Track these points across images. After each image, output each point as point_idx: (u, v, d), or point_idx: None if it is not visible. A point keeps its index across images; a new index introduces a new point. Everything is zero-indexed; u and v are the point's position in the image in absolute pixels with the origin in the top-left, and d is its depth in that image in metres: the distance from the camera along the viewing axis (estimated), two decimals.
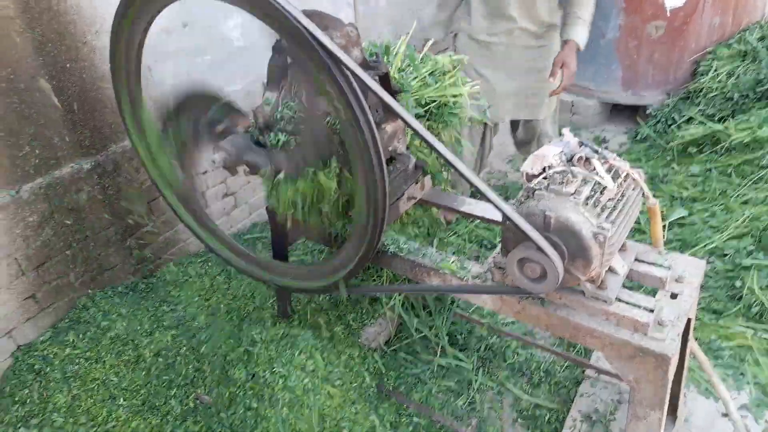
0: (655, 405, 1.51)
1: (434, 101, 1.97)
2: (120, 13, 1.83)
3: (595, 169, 1.53)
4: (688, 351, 1.85)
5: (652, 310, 1.50)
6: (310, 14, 1.71)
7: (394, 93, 1.83)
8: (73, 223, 2.71)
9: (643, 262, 1.67)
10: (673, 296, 1.59)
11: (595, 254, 1.42)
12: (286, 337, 2.36)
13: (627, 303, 1.53)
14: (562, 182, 1.46)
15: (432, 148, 1.44)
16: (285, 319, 2.50)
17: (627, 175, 1.58)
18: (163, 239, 3.18)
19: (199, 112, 2.01)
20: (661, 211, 3.07)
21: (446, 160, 1.43)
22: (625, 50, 4.09)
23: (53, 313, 2.74)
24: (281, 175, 1.83)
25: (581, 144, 1.58)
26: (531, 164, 1.51)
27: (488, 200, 1.41)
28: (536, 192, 1.48)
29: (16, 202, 2.46)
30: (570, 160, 1.53)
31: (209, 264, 3.12)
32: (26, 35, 2.36)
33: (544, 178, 1.49)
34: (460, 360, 2.47)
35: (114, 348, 2.64)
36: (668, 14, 3.86)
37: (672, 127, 3.88)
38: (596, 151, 1.56)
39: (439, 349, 2.56)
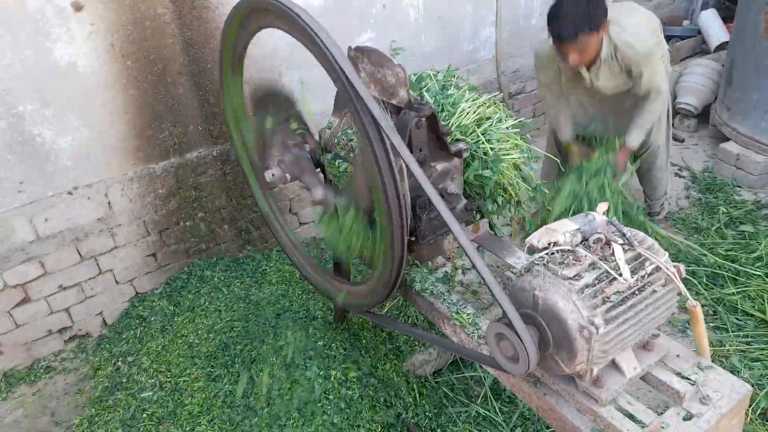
0: None
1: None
2: (227, 22, 2.07)
3: (613, 254, 1.37)
4: None
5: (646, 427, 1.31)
6: (369, 51, 1.79)
7: (441, 135, 1.82)
8: (195, 199, 3.14)
9: (668, 368, 1.45)
10: (689, 417, 1.36)
11: (580, 349, 1.28)
12: (330, 346, 2.48)
13: (622, 411, 1.35)
14: (563, 263, 1.34)
15: (438, 211, 1.43)
16: (338, 324, 2.61)
17: (657, 269, 1.38)
18: None
19: (278, 110, 2.12)
20: None
21: (443, 216, 1.40)
22: None
23: (168, 272, 3.22)
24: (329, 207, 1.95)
25: (609, 224, 1.43)
26: (539, 236, 1.41)
27: (474, 266, 1.36)
28: (535, 267, 1.38)
29: (151, 175, 2.94)
30: (586, 240, 1.39)
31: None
32: (177, 37, 2.79)
33: (547, 254, 1.38)
34: (497, 413, 2.36)
35: (205, 314, 3.01)
36: None
37: None
38: (623, 235, 1.40)
39: (481, 395, 2.47)
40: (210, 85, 2.96)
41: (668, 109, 3.24)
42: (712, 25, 4.90)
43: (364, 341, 2.60)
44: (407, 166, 1.58)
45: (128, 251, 3.02)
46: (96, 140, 2.70)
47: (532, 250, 1.41)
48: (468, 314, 1.75)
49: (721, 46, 4.77)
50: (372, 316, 2.05)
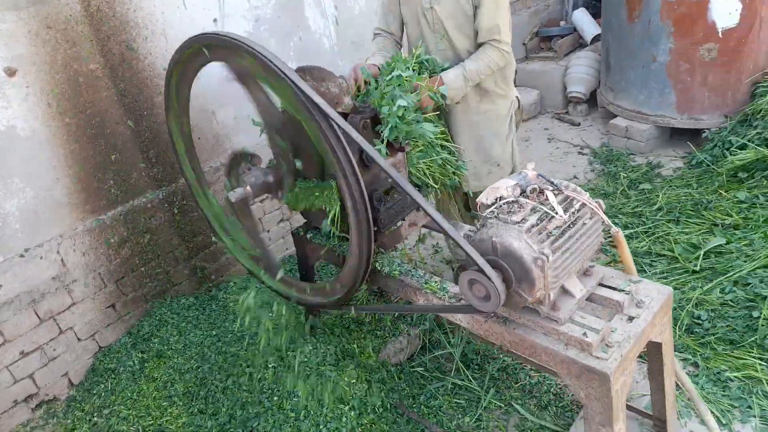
0: (605, 422, 1.59)
1: None
2: (168, 75, 2.24)
3: (547, 199, 1.67)
4: (668, 376, 1.87)
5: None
6: (310, 69, 2.03)
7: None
8: (147, 244, 3.20)
9: (606, 286, 1.76)
10: (630, 320, 1.67)
11: (537, 277, 1.55)
12: (308, 353, 2.62)
13: (578, 324, 1.64)
14: (510, 211, 1.62)
15: (402, 190, 1.66)
16: (312, 332, 2.76)
17: (583, 205, 1.69)
18: (224, 259, 3.61)
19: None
20: (698, 239, 3.03)
21: (413, 198, 1.65)
22: (677, 74, 4.02)
23: (129, 320, 3.22)
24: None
25: (539, 176, 1.73)
26: (486, 195, 1.69)
27: (442, 229, 1.61)
28: (488, 220, 1.65)
29: (101, 226, 2.98)
30: (524, 192, 1.68)
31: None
32: (111, 90, 2.89)
33: (496, 208, 1.65)
34: (470, 380, 2.60)
35: (174, 355, 3.05)
36: (720, 36, 3.77)
37: (729, 150, 3.74)
38: (551, 183, 1.70)
39: (453, 369, 2.71)
40: (148, 132, 3.07)
41: (512, 115, 2.83)
42: (585, 21, 5.59)
43: (339, 344, 2.76)
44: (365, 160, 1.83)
45: (87, 306, 3.01)
46: (42, 199, 2.73)
47: (482, 208, 1.68)
48: (436, 281, 1.99)
49: (596, 38, 5.44)
50: (348, 308, 2.23)
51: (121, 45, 2.87)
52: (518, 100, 2.87)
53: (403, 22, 2.79)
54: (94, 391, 2.96)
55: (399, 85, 2.15)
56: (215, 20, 3.23)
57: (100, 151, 2.90)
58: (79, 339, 3.03)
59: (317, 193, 2.11)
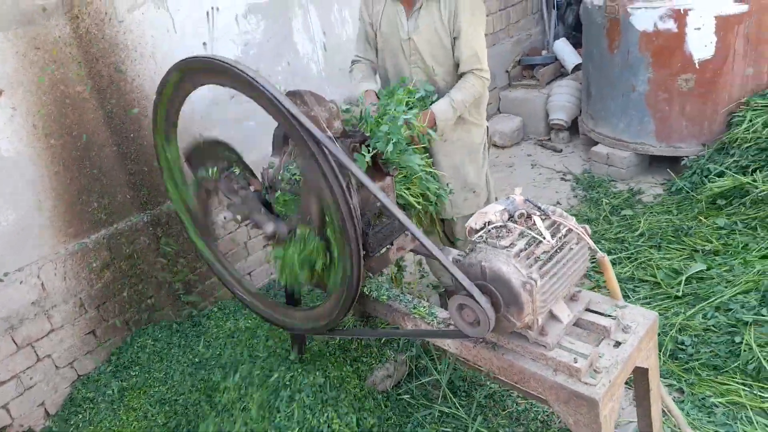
0: None
1: None
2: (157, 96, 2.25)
3: (535, 224, 1.69)
4: (655, 402, 1.88)
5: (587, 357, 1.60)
6: (302, 93, 2.04)
7: (373, 156, 2.09)
8: (130, 268, 3.15)
9: (592, 311, 1.78)
10: (617, 345, 1.68)
11: (526, 301, 1.56)
12: (292, 379, 2.58)
13: (566, 350, 1.64)
14: (499, 236, 1.63)
15: (390, 214, 1.67)
16: (299, 357, 2.72)
17: (569, 230, 1.72)
18: (208, 284, 3.56)
19: (218, 160, 2.29)
20: (679, 265, 3.08)
21: (401, 222, 1.65)
22: (655, 103, 4.13)
23: (109, 347, 3.15)
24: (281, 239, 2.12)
25: (526, 201, 1.75)
26: (475, 220, 1.70)
27: (430, 253, 1.62)
28: (477, 245, 1.66)
29: (83, 249, 2.93)
30: (512, 217, 1.70)
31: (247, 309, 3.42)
32: (98, 111, 2.88)
33: (485, 232, 1.67)
34: (457, 408, 2.58)
35: (155, 384, 2.98)
36: (697, 67, 3.89)
37: (707, 178, 3.84)
38: (539, 208, 1.73)
39: (440, 396, 2.68)
40: (134, 154, 3.05)
41: (485, 143, 2.90)
42: (566, 51, 5.74)
43: (326, 370, 2.72)
44: (354, 183, 1.84)
45: (66, 332, 2.94)
46: (25, 221, 2.68)
47: (471, 232, 1.70)
48: (424, 307, 1.99)
49: (577, 68, 5.58)
50: (338, 333, 2.22)
51: (109, 67, 2.87)
52: (487, 129, 2.94)
53: (378, 50, 2.84)
54: (72, 422, 2.88)
55: (401, 106, 2.20)
56: (205, 44, 3.26)
57: (84, 173, 2.87)
58: (57, 367, 2.94)
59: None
